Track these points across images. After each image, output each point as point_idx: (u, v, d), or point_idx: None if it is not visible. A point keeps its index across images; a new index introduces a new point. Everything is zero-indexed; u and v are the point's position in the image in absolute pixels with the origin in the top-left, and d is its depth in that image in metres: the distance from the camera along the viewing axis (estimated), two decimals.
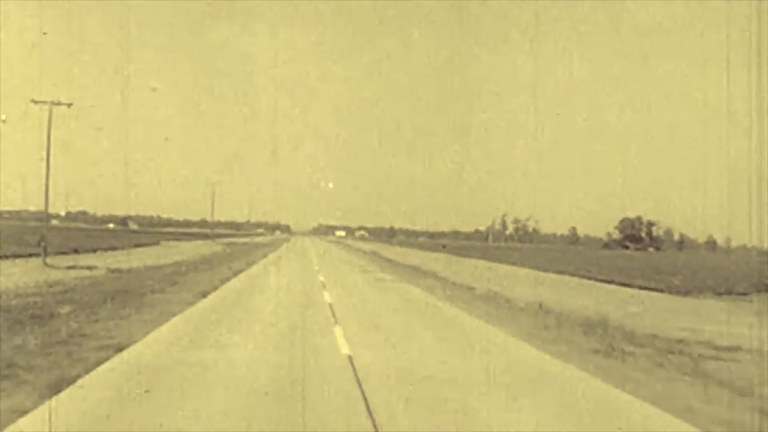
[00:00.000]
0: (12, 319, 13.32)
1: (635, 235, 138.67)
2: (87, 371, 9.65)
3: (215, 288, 23.00)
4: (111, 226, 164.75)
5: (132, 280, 24.75)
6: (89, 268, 33.46)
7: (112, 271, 32.01)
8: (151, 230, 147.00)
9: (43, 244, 35.71)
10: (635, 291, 34.40)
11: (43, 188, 36.78)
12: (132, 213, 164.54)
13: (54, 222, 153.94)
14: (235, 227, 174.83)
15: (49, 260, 37.30)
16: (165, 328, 13.81)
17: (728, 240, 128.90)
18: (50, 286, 22.88)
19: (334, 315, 17.65)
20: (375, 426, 7.48)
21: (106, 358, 10.55)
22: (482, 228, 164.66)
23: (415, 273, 38.25)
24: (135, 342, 11.75)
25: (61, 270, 31.70)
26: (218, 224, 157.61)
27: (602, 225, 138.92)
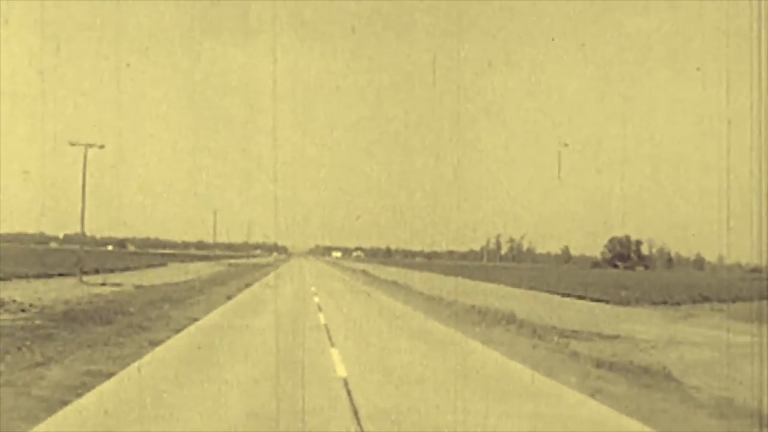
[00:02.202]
0: (109, 312, 20.61)
1: (624, 254, 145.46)
2: (185, 327, 19.61)
3: (235, 295, 33.43)
4: (110, 248, 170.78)
5: (163, 292, 31.97)
6: (117, 285, 40.46)
7: (138, 287, 38.97)
8: (150, 252, 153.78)
9: (80, 265, 42.75)
10: (583, 302, 41.44)
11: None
12: (129, 235, 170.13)
13: (53, 244, 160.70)
14: (232, 249, 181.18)
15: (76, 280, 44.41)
16: (213, 314, 23.78)
17: (721, 258, 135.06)
18: (100, 297, 30.01)
19: (320, 308, 27.83)
20: (330, 337, 15.20)
21: (191, 323, 20.42)
22: (477, 248, 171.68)
23: (393, 286, 46.41)
24: (200, 319, 21.41)
25: (96, 286, 38.66)
26: (215, 245, 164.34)
27: (596, 244, 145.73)
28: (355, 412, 9.73)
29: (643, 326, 27.81)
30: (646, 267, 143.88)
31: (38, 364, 12.22)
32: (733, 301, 47.28)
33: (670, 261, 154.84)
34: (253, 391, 11.17)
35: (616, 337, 23.18)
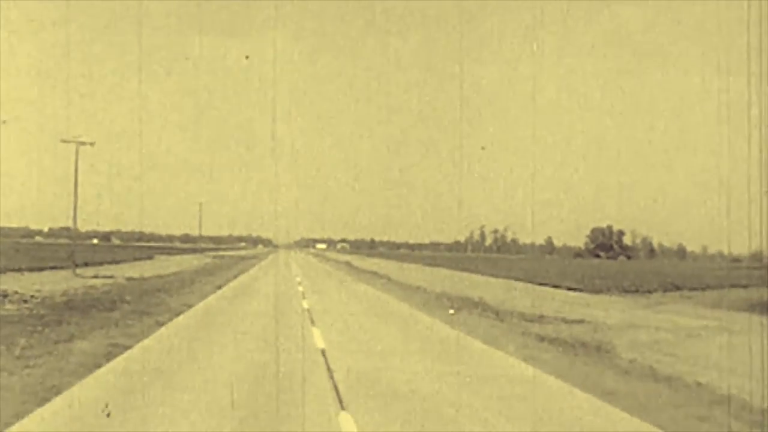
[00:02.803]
0: (109, 302, 22.53)
1: (606, 244, 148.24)
2: (183, 312, 21.99)
3: (224, 284, 36.17)
4: (95, 241, 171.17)
5: (156, 283, 33.86)
6: (109, 277, 42.16)
7: (130, 279, 40.75)
8: (135, 245, 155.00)
9: (73, 259, 44.57)
10: (557, 290, 43.65)
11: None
12: (113, 228, 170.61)
13: (38, 238, 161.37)
14: (217, 241, 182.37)
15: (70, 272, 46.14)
16: (208, 300, 26.48)
17: (704, 248, 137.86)
18: (96, 288, 31.83)
19: (304, 296, 30.51)
20: (311, 317, 17.41)
21: (188, 309, 23.00)
22: (462, 239, 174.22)
23: (371, 275, 49.01)
24: (195, 305, 23.45)
25: (89, 279, 40.38)
26: (200, 238, 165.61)
27: (580, 235, 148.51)
28: (333, 379, 12.20)
29: (609, 312, 30.01)
30: (629, 257, 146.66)
31: (64, 341, 14.25)
32: (704, 289, 49.84)
33: (652, 251, 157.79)
34: (251, 357, 14.39)
35: (580, 321, 25.27)
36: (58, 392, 10.21)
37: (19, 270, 45.96)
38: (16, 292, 28.76)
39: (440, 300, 28.83)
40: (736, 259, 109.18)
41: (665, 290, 47.78)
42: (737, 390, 11.41)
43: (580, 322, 24.81)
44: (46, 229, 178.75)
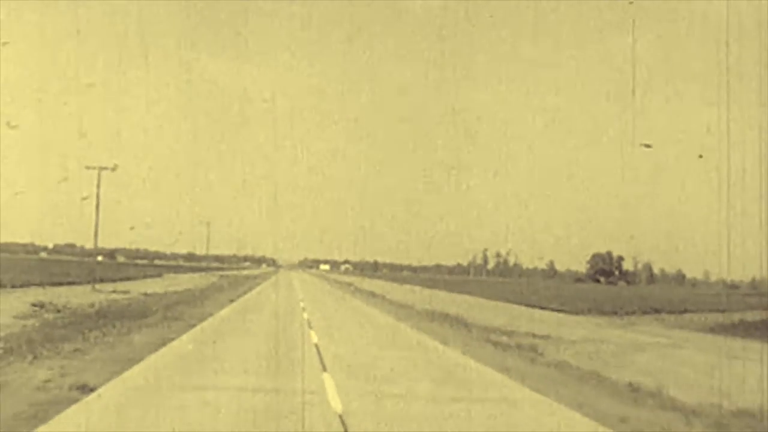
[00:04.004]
0: (135, 312, 26.86)
1: (606, 270, 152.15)
2: (206, 318, 27.23)
3: (236, 299, 41.54)
4: (99, 258, 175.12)
5: (172, 298, 38.24)
6: (126, 292, 46.48)
7: (146, 294, 44.97)
8: (139, 263, 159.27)
9: (94, 275, 49.00)
10: (541, 311, 47.75)
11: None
12: (118, 246, 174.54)
13: (42, 254, 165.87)
14: (221, 260, 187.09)
15: (88, 287, 50.48)
16: (224, 311, 31.62)
17: (706, 274, 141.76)
18: (118, 302, 36.10)
19: (304, 309, 35.49)
20: (311, 326, 22.14)
21: (210, 317, 28.21)
22: (465, 263, 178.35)
23: (368, 295, 53.94)
24: (214, 314, 28.42)
25: (109, 293, 44.70)
26: (204, 257, 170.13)
27: (583, 259, 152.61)
28: (320, 357, 17.44)
29: (577, 330, 34.04)
30: (628, 282, 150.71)
31: (124, 334, 18.70)
32: (681, 313, 53.85)
33: (652, 276, 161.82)
34: (266, 345, 20.06)
35: (545, 336, 29.31)
36: (140, 360, 15.44)
37: (40, 285, 50.26)
38: (51, 303, 33.01)
39: (421, 315, 33.26)
40: (735, 286, 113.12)
41: (644, 313, 51.84)
42: (617, 377, 15.76)
43: (545, 337, 28.84)
44: (51, 246, 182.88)
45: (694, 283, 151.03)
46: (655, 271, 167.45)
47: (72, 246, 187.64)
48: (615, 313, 49.51)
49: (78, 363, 14.44)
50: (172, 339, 19.43)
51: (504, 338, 24.53)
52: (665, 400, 12.93)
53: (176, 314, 26.85)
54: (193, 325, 23.66)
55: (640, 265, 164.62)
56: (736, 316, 47.68)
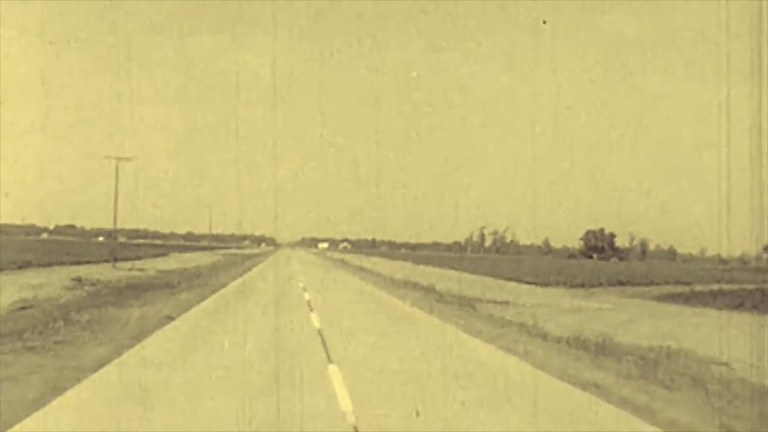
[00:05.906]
0: (161, 284, 33.57)
1: (599, 246, 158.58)
2: (224, 287, 35.82)
3: (244, 273, 49.31)
4: (101, 239, 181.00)
5: (187, 273, 44.87)
6: (142, 269, 52.88)
7: (161, 271, 51.34)
8: (141, 243, 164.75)
9: (114, 254, 55.68)
10: (517, 284, 54.16)
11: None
12: (118, 226, 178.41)
13: (44, 236, 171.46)
14: (221, 240, 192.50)
15: (106, 266, 56.96)
16: (237, 281, 39.28)
17: (702, 250, 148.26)
18: (139, 277, 42.60)
19: (304, 289, 41.20)
20: (305, 289, 29.70)
21: (225, 286, 35.05)
22: (462, 240, 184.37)
23: (362, 270, 60.85)
24: (229, 284, 35.33)
25: (128, 271, 51.14)
26: (204, 237, 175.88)
27: (578, 236, 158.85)
28: (310, 306, 25.16)
29: (539, 298, 40.38)
30: (620, 258, 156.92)
31: (168, 296, 25.38)
32: (647, 285, 60.18)
33: (644, 253, 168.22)
34: (271, 300, 27.75)
35: (506, 302, 35.63)
36: (189, 309, 23.39)
37: (62, 264, 56.52)
38: (86, 278, 39.34)
39: (397, 283, 40.08)
40: (724, 261, 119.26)
41: (610, 285, 58.01)
42: (522, 322, 22.50)
43: (506, 303, 35.20)
44: (51, 227, 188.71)
45: (690, 259, 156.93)
46: (651, 247, 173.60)
47: (72, 227, 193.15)
48: (582, 285, 55.82)
49: (151, 309, 21.62)
50: (206, 297, 27.83)
51: (456, 300, 31.07)
52: (533, 329, 19.77)
53: (200, 283, 33.78)
54: (217, 290, 31.70)
55: (636, 242, 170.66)
56: (697, 288, 54.09)
